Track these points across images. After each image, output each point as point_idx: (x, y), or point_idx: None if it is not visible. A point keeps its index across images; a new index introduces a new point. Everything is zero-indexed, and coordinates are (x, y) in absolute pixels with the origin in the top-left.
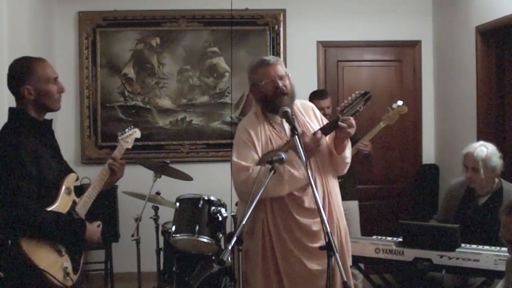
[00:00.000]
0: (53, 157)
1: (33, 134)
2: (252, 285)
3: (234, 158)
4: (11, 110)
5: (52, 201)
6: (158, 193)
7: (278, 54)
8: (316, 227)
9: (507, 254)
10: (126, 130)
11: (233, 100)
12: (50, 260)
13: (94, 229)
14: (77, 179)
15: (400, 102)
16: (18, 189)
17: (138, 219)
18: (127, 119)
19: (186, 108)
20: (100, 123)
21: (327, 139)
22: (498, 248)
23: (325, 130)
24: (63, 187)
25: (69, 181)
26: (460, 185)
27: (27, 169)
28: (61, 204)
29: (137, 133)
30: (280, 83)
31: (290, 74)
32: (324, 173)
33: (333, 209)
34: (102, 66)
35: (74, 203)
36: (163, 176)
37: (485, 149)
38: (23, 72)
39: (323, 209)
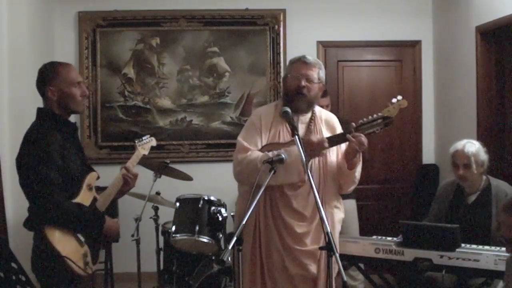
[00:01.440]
0: (76, 154)
1: (58, 130)
2: (242, 274)
3: (240, 138)
4: (39, 109)
5: (76, 194)
6: (158, 193)
7: (278, 54)
8: (300, 229)
9: (507, 254)
10: (144, 137)
11: (233, 100)
12: (72, 249)
13: (113, 224)
14: (98, 178)
15: (399, 97)
16: (46, 179)
17: (138, 219)
18: (127, 119)
19: (186, 108)
20: (100, 123)
21: (339, 156)
22: (498, 248)
23: (334, 139)
24: (85, 183)
25: (90, 179)
26: (449, 185)
27: (54, 161)
28: (83, 198)
29: (153, 142)
30: (303, 83)
31: (322, 83)
32: (325, 182)
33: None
34: (102, 66)
35: (95, 200)
36: (163, 176)
37: (473, 145)
38: (48, 74)
39: (315, 216)
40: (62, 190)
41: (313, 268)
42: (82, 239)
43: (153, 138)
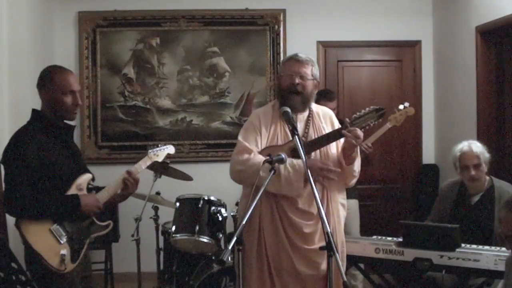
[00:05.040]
0: (66, 157)
1: (46, 133)
2: (247, 279)
3: (240, 138)
4: (32, 111)
5: (62, 193)
6: (158, 193)
7: (278, 54)
8: (308, 229)
9: (507, 254)
10: (159, 145)
11: (233, 100)
12: (46, 245)
13: (90, 198)
14: (93, 179)
15: (406, 104)
16: (15, 175)
17: (138, 219)
18: (127, 119)
19: (186, 108)
20: (100, 123)
21: (338, 149)
22: (498, 248)
23: (330, 137)
24: (75, 183)
25: (82, 180)
26: (451, 186)
27: (27, 160)
28: None
29: (170, 149)
30: (297, 80)
31: (316, 80)
32: (328, 180)
33: (330, 215)
34: (102, 66)
35: None
36: (163, 176)
37: (477, 144)
38: (43, 78)
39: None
40: (37, 187)
41: (324, 266)
42: (63, 238)
43: (169, 146)
